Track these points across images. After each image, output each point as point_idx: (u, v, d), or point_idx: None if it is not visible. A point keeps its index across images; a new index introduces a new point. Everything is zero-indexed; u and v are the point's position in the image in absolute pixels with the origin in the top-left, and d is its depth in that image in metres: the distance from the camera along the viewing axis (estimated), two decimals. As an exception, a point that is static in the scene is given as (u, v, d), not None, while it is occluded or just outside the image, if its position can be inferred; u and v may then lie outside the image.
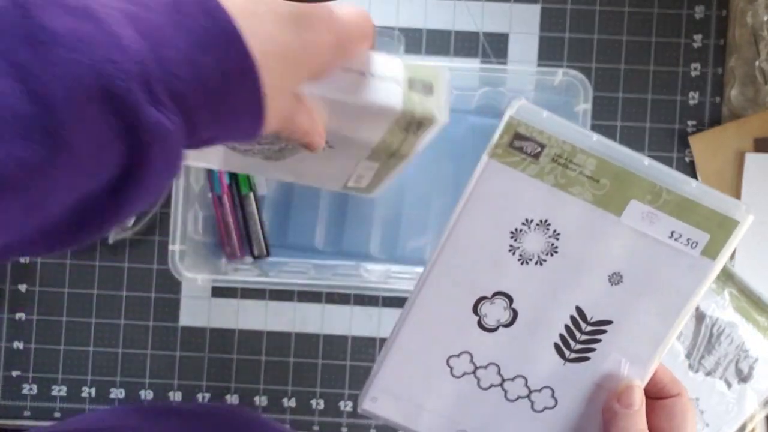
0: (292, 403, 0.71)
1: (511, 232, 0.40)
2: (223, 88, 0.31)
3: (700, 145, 0.70)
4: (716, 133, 0.70)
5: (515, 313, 0.42)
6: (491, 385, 0.43)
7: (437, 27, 0.71)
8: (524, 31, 0.71)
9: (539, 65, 0.71)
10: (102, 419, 0.52)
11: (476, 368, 0.43)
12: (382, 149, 0.52)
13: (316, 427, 0.71)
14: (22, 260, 0.70)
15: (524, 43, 0.71)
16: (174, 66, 0.29)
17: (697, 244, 0.37)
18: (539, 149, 0.38)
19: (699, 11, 0.71)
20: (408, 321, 0.41)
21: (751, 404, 0.67)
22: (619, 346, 0.41)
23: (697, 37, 0.71)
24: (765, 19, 0.69)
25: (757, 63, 0.70)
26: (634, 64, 0.71)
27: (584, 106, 0.64)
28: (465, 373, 0.43)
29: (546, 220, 0.40)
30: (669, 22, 0.71)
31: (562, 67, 0.70)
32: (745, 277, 0.66)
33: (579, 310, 0.41)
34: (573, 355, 0.42)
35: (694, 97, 0.71)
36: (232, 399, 0.71)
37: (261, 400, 0.71)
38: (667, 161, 0.71)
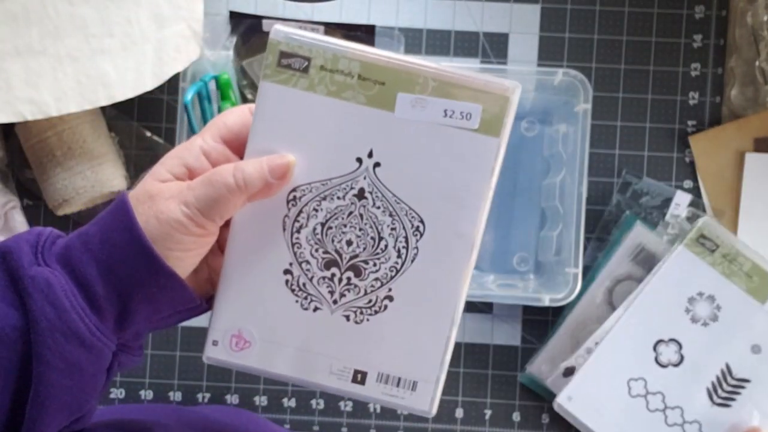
0: (292, 403, 0.71)
1: (689, 299, 0.61)
2: (103, 240, 0.37)
3: (701, 144, 0.70)
4: (716, 133, 0.70)
5: (682, 357, 0.60)
6: (656, 409, 0.59)
7: (437, 27, 0.71)
8: (524, 31, 0.71)
9: (539, 65, 0.71)
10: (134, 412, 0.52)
11: (647, 393, 0.59)
12: None
13: (316, 427, 0.71)
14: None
15: (524, 43, 0.71)
16: (67, 241, 0.37)
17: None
18: (716, 247, 0.60)
19: (699, 11, 0.71)
20: (603, 345, 0.60)
21: None
22: (754, 400, 0.59)
23: (697, 37, 0.71)
24: (765, 19, 0.69)
25: (757, 63, 0.70)
26: (634, 64, 0.71)
27: (584, 106, 0.64)
28: (638, 395, 0.60)
29: (713, 296, 0.60)
30: (669, 22, 0.71)
31: (562, 67, 0.70)
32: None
33: (728, 366, 0.59)
34: (719, 400, 0.59)
35: (694, 97, 0.71)
36: (232, 399, 0.71)
37: (261, 400, 0.71)
38: (668, 161, 0.71)
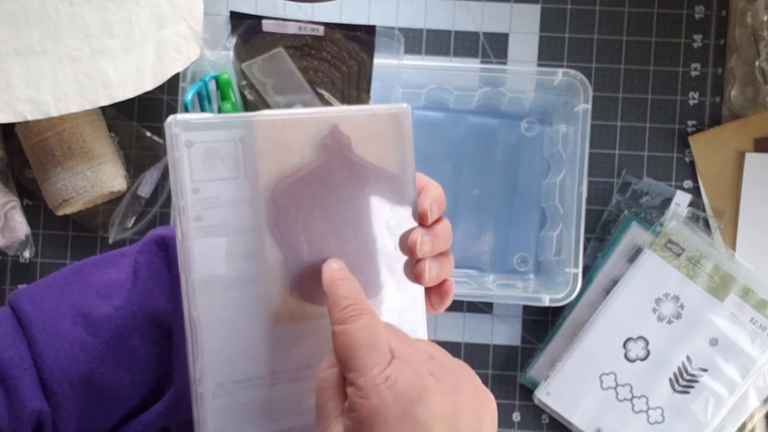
0: (292, 403, 0.71)
1: (656, 299, 0.66)
2: None
3: (700, 145, 0.70)
4: (716, 133, 0.70)
5: (649, 352, 0.66)
6: (625, 399, 0.65)
7: (437, 27, 0.71)
8: (524, 31, 0.71)
9: (539, 65, 0.71)
10: None
11: (617, 385, 0.66)
12: None
13: (316, 427, 0.70)
14: (21, 260, 0.70)
15: (524, 43, 0.71)
16: None
17: (766, 328, 0.64)
18: (681, 251, 0.65)
19: (699, 11, 0.71)
20: (577, 346, 0.66)
21: (752, 402, 0.67)
22: (709, 387, 0.65)
23: (697, 37, 0.71)
24: (765, 19, 0.69)
25: (756, 63, 0.70)
26: (634, 64, 0.71)
27: (584, 106, 0.64)
28: (609, 387, 0.66)
29: (678, 296, 0.65)
30: (669, 22, 0.71)
31: (562, 67, 0.70)
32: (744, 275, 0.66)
33: (688, 357, 0.65)
34: (680, 388, 0.65)
35: (694, 97, 0.71)
36: (232, 399, 0.71)
37: (261, 400, 0.71)
38: (668, 161, 0.71)
